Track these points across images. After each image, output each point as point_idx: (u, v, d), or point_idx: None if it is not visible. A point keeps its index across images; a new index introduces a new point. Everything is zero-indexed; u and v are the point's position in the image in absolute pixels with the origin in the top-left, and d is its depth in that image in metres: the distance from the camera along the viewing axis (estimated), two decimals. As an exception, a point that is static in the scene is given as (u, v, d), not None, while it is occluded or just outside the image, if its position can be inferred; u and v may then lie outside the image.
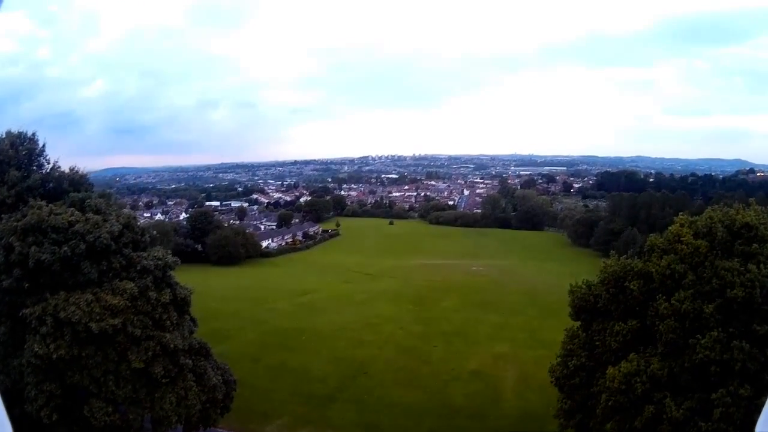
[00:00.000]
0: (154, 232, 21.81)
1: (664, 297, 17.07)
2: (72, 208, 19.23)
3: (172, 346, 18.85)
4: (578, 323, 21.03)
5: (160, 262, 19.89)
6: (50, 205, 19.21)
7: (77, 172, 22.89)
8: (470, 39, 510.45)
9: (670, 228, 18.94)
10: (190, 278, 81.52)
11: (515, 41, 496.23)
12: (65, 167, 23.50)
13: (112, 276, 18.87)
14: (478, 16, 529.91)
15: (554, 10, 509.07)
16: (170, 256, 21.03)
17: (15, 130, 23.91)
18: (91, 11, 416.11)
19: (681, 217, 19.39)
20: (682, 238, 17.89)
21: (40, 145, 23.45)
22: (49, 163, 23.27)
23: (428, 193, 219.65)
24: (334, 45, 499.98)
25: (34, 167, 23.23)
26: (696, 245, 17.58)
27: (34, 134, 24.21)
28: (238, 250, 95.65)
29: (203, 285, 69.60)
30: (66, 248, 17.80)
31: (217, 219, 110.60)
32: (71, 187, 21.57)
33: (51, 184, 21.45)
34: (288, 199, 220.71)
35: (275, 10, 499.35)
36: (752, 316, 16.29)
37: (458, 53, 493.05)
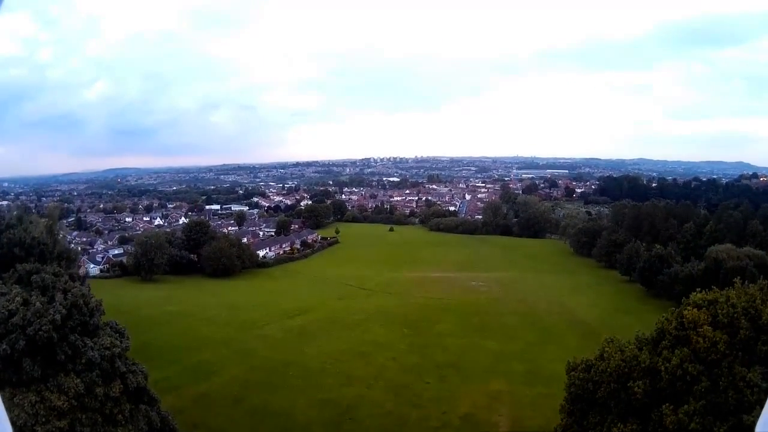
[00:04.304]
0: (102, 309, 19.96)
1: (671, 406, 15.05)
2: (16, 288, 17.62)
3: (125, 442, 17.27)
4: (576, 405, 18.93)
5: (107, 352, 18.20)
6: (-5, 284, 17.70)
7: (30, 233, 21.22)
8: (471, 43, 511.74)
9: (685, 312, 16.82)
10: (183, 294, 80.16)
11: (515, 45, 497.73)
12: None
13: (57, 369, 17.25)
14: (478, 20, 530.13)
15: (553, 15, 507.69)
16: (120, 341, 19.31)
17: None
18: (93, 14, 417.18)
19: (697, 295, 17.29)
20: (698, 328, 15.86)
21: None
22: (4, 220, 21.64)
23: (429, 198, 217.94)
24: (334, 49, 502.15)
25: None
26: (714, 340, 15.56)
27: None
28: (233, 262, 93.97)
29: (194, 304, 68.50)
30: (5, 345, 16.29)
31: (212, 230, 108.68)
32: (23, 252, 19.91)
33: (2, 250, 19.79)
34: (288, 202, 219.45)
35: (276, 14, 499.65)
36: None
37: (459, 57, 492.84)
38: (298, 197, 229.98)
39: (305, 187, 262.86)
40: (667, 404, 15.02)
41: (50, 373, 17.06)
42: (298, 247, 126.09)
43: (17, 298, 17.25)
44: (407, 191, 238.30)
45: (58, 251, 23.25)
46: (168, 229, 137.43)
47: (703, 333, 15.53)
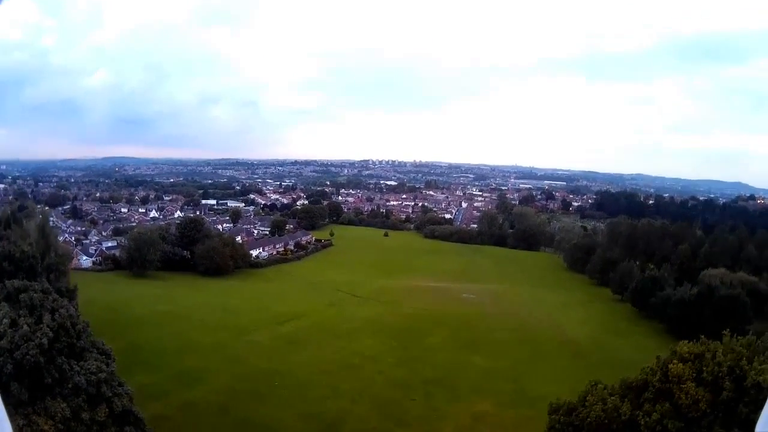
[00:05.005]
0: (89, 331, 19.89)
1: None
2: (5, 307, 17.55)
3: (109, 467, 17.31)
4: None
5: (94, 378, 18.20)
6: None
7: (19, 247, 21.16)
8: (473, 48, 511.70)
9: (670, 366, 16.79)
10: (174, 292, 79.87)
11: (517, 52, 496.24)
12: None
13: (44, 393, 17.27)
14: (480, 25, 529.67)
15: (556, 24, 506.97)
16: (106, 364, 19.28)
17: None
18: (97, 3, 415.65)
19: (684, 347, 17.22)
20: (682, 384, 15.85)
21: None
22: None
23: (426, 204, 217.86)
24: (334, 48, 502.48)
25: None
26: (696, 397, 15.51)
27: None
28: (226, 262, 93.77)
29: (186, 304, 68.18)
30: (-7, 369, 16.35)
31: (207, 228, 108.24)
32: (12, 266, 19.87)
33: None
34: (285, 201, 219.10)
35: (278, 12, 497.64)
36: None
37: (460, 61, 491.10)
38: (294, 196, 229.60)
39: (302, 186, 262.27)
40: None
41: (38, 396, 17.06)
42: (292, 248, 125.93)
43: (5, 320, 17.24)
44: (404, 196, 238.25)
45: (47, 263, 23.14)
46: (163, 223, 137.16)
47: (686, 389, 15.52)
